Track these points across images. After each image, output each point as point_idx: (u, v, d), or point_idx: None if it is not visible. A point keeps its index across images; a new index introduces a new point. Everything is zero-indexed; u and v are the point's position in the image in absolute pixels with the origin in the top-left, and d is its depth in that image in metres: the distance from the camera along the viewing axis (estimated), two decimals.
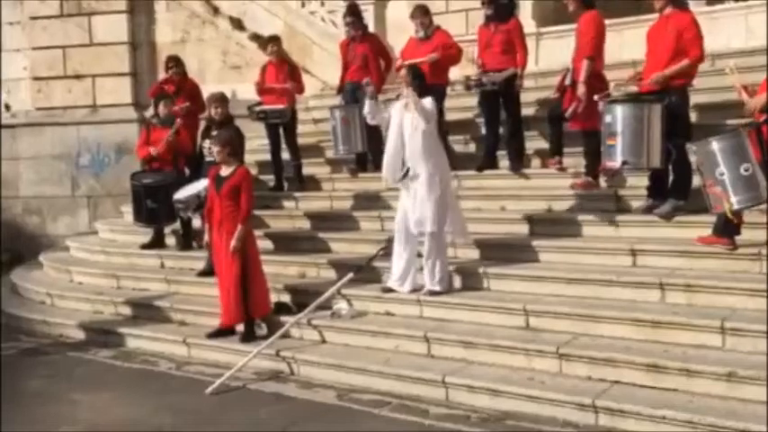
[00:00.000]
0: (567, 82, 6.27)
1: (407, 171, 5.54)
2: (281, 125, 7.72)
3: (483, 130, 7.15)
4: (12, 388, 5.51)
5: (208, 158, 6.77)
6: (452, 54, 7.04)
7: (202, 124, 7.66)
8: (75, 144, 10.54)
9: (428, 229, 5.48)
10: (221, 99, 6.94)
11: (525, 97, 7.11)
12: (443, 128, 7.17)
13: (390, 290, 5.75)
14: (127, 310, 6.89)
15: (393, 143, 5.65)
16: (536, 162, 6.94)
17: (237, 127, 6.83)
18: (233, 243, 5.65)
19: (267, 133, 7.89)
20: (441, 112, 7.14)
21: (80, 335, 6.76)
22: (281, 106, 7.60)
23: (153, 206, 7.23)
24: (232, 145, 5.89)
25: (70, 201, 10.62)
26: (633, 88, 5.71)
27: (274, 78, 7.72)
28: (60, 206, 10.66)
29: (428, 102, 5.55)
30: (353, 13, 7.66)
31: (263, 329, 5.83)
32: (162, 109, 7.62)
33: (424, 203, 5.49)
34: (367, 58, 7.53)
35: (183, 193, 6.74)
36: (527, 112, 7.18)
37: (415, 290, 5.65)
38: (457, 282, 5.73)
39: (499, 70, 6.67)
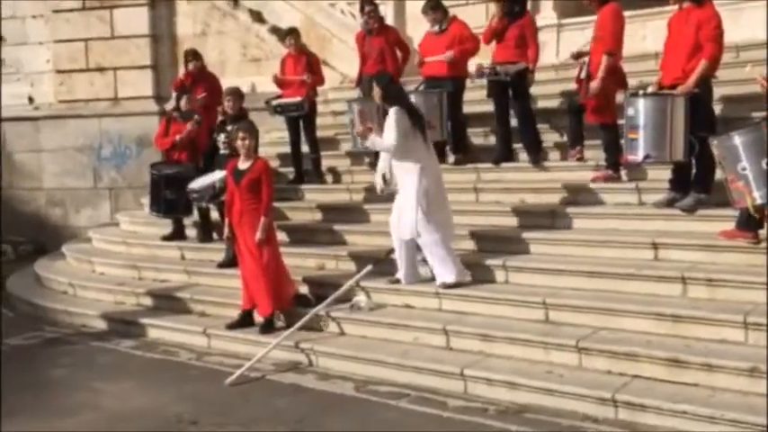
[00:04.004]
0: (583, 75, 6.22)
1: (384, 178, 5.65)
2: (301, 118, 7.74)
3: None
4: (35, 376, 5.60)
5: (222, 152, 6.83)
6: (468, 48, 7.01)
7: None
8: (97, 136, 10.64)
9: (415, 236, 5.54)
10: (235, 93, 6.99)
11: (546, 89, 7.06)
12: (461, 120, 7.19)
13: (398, 281, 5.79)
14: (148, 301, 6.95)
15: (381, 153, 5.75)
16: (555, 155, 6.89)
17: (252, 121, 6.85)
18: (258, 235, 5.68)
19: (287, 126, 7.91)
20: (459, 104, 7.17)
21: (102, 325, 6.83)
22: (298, 99, 7.60)
23: (172, 197, 7.28)
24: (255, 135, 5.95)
25: (92, 193, 10.73)
26: (653, 79, 5.66)
27: (293, 71, 7.73)
28: (83, 198, 10.78)
29: (391, 115, 5.48)
30: (372, 2, 7.65)
31: (281, 321, 5.86)
32: (184, 104, 7.67)
33: (407, 212, 5.54)
34: (383, 50, 7.52)
35: (197, 183, 6.79)
36: (549, 104, 7.13)
37: (416, 281, 5.71)
38: (476, 275, 5.70)
39: (513, 63, 6.65)
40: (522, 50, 6.70)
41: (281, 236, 6.63)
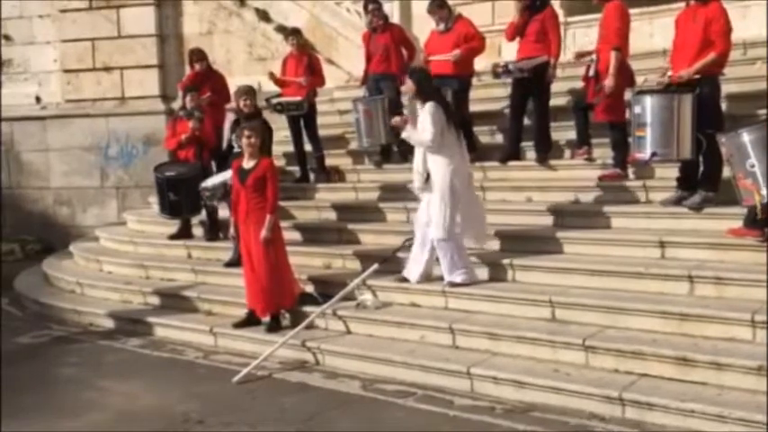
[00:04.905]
0: (591, 73, 6.20)
1: (428, 177, 5.54)
2: (301, 117, 7.74)
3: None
4: (42, 375, 5.63)
5: (236, 150, 6.82)
6: (474, 46, 7.00)
7: (229, 116, 7.72)
8: (104, 136, 10.69)
9: (437, 236, 5.50)
10: (249, 92, 6.97)
11: (553, 87, 7.01)
12: (467, 119, 7.17)
13: (405, 279, 5.78)
14: (155, 300, 6.97)
15: (417, 149, 5.67)
16: (563, 153, 6.87)
17: (265, 119, 6.87)
18: (263, 233, 5.68)
19: (288, 125, 7.92)
20: (465, 102, 7.15)
21: (109, 324, 6.86)
22: (297, 98, 7.60)
23: (175, 199, 7.29)
24: (261, 135, 5.95)
25: (99, 192, 10.78)
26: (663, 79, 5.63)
27: (294, 71, 7.73)
28: (90, 197, 10.83)
29: (427, 110, 5.44)
30: (375, 0, 7.64)
31: (287, 320, 5.87)
32: (189, 101, 7.69)
33: (435, 209, 5.50)
34: (388, 48, 7.52)
35: (210, 181, 6.80)
36: (555, 102, 7.11)
37: (429, 280, 5.68)
38: (482, 273, 5.70)
39: (531, 59, 6.62)
40: (544, 45, 6.62)
41: (288, 235, 6.63)
